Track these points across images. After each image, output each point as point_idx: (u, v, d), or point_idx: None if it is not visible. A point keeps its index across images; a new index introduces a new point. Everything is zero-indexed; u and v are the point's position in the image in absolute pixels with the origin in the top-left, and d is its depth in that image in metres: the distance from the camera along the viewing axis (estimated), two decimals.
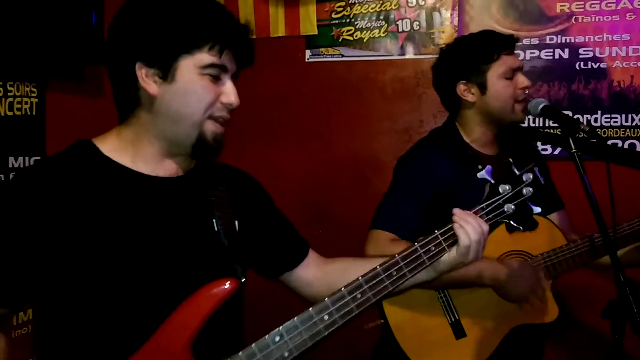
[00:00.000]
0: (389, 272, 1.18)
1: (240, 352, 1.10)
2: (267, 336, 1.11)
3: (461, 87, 1.83)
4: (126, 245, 1.10)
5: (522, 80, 1.79)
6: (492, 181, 1.26)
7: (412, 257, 1.20)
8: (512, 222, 1.26)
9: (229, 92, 1.15)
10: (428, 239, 1.21)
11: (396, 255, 1.19)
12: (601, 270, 1.88)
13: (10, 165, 2.08)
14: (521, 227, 1.25)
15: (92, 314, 1.08)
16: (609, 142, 2.48)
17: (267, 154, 2.81)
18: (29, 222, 1.06)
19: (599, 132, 2.43)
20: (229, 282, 1.11)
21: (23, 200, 1.07)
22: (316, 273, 1.39)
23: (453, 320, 1.77)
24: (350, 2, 2.73)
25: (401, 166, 1.88)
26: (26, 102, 2.13)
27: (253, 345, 1.11)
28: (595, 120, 2.50)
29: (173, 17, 1.10)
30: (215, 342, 1.13)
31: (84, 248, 1.07)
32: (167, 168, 1.18)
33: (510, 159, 1.28)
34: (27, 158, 2.13)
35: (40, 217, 1.06)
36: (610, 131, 2.49)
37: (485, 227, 1.22)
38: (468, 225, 1.20)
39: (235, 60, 1.16)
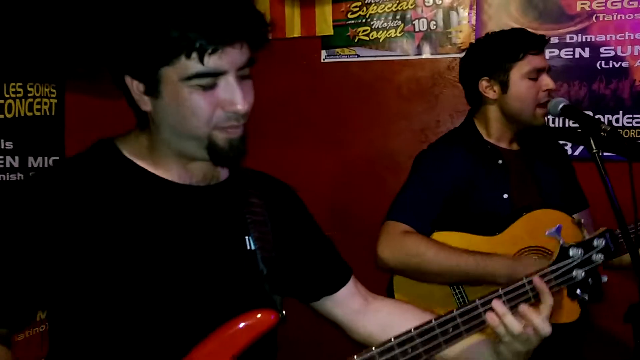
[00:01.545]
0: (444, 329, 1.05)
1: None
2: None
3: (483, 84, 1.81)
4: (145, 259, 0.98)
5: (546, 81, 1.76)
6: (562, 241, 1.15)
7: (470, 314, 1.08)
8: (578, 291, 1.16)
9: (232, 100, 0.95)
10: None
11: (454, 310, 1.08)
12: (620, 271, 1.85)
13: (29, 165, 2.11)
14: (586, 297, 1.16)
15: (106, 333, 0.97)
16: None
17: (282, 155, 2.81)
18: (41, 232, 0.95)
19: (620, 132, 2.40)
20: (268, 314, 0.99)
21: (36, 208, 0.96)
22: (363, 304, 1.25)
23: None
24: (366, 2, 2.72)
25: (419, 161, 1.88)
26: (45, 103, 2.16)
27: None
28: (617, 120, 2.45)
29: (146, 24, 0.93)
30: None
31: (104, 257, 0.96)
32: (192, 175, 1.06)
33: (582, 220, 1.20)
34: (46, 158, 2.16)
35: (55, 225, 0.95)
36: (632, 131, 2.44)
37: (548, 329, 1.06)
38: (501, 327, 1.05)
39: (243, 49, 0.95)
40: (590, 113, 2.42)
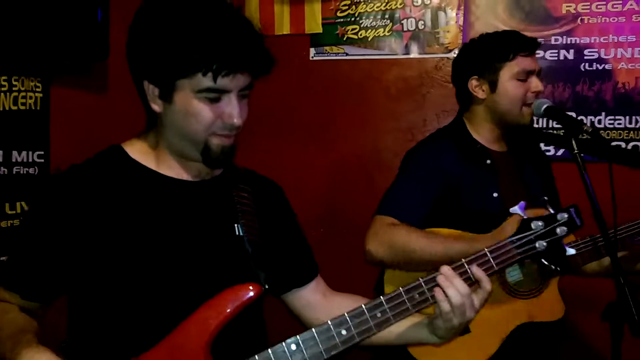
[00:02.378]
0: (410, 295, 1.16)
1: (257, 356, 1.11)
2: (283, 343, 1.11)
3: (473, 83, 1.84)
4: (148, 244, 1.14)
5: (535, 84, 1.78)
6: (525, 217, 1.23)
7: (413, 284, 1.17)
8: (544, 260, 1.22)
9: (231, 114, 1.13)
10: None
11: (419, 279, 1.17)
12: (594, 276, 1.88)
13: (14, 160, 2.08)
14: (553, 266, 1.22)
15: (116, 308, 1.13)
16: (613, 144, 2.47)
17: (270, 152, 2.81)
18: (62, 221, 1.12)
19: (602, 134, 2.44)
20: (252, 287, 1.11)
21: (57, 201, 1.14)
22: (322, 299, 1.38)
23: None
24: (355, 0, 2.73)
25: (409, 157, 1.89)
26: (30, 97, 2.14)
27: (269, 350, 1.11)
28: (599, 121, 2.49)
29: (172, 40, 1.09)
30: (235, 346, 1.14)
31: (111, 246, 1.12)
32: (190, 172, 1.22)
33: (546, 198, 1.25)
34: (30, 153, 2.13)
35: (72, 217, 1.12)
36: (614, 133, 2.48)
37: (466, 290, 1.15)
38: (450, 289, 1.14)
39: (248, 75, 1.13)
40: (573, 114, 2.46)
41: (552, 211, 1.23)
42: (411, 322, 1.25)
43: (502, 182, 1.83)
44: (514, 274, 1.78)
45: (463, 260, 1.18)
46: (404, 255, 1.67)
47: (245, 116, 1.17)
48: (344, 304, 1.26)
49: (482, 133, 1.87)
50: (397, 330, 1.25)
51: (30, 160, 2.14)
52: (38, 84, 2.16)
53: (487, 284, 1.17)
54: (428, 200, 1.76)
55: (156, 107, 1.15)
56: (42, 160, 2.17)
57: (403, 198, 1.78)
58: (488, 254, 1.20)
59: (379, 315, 1.14)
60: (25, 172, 2.12)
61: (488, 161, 1.84)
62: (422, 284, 1.16)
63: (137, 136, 1.25)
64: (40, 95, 2.17)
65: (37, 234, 1.15)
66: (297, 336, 1.12)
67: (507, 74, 1.78)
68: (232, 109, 1.13)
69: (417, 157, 1.86)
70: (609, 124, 2.49)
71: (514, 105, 1.79)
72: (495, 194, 1.81)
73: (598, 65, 2.46)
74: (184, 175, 1.22)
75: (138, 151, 1.22)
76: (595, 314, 2.18)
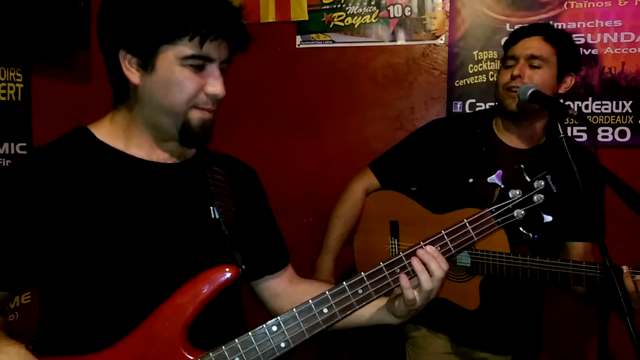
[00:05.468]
0: (392, 270, 1.16)
1: (237, 339, 1.09)
2: (264, 325, 1.10)
3: None
4: (120, 228, 1.09)
5: (515, 68, 1.80)
6: (502, 185, 1.23)
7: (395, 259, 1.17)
8: (521, 229, 1.23)
9: (214, 83, 1.11)
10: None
11: (400, 252, 1.18)
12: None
13: None
14: (531, 235, 1.23)
15: (89, 296, 1.09)
16: (600, 129, 2.48)
17: (256, 141, 2.79)
18: (27, 207, 1.07)
19: (589, 119, 2.45)
20: (229, 269, 1.10)
21: (21, 186, 1.08)
22: (287, 287, 1.38)
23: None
24: None
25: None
26: (11, 88, 2.09)
27: (250, 333, 1.10)
28: (586, 107, 2.50)
29: (155, 5, 1.06)
30: (213, 329, 1.13)
31: (80, 232, 1.07)
32: (161, 154, 1.18)
33: (522, 166, 1.26)
34: (12, 144, 2.10)
35: (38, 202, 1.07)
36: (601, 118, 2.49)
37: (446, 266, 1.16)
38: (433, 263, 1.14)
39: (227, 47, 1.12)
40: (560, 99, 2.46)
41: (528, 179, 1.23)
42: (374, 303, 1.24)
43: (489, 172, 1.83)
44: (463, 259, 1.80)
45: (443, 232, 1.19)
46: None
47: (225, 92, 1.14)
48: (309, 293, 1.25)
49: (499, 125, 1.91)
50: (359, 311, 1.23)
51: (12, 152, 2.10)
52: (19, 74, 2.12)
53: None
54: (404, 161, 2.00)
55: (134, 78, 1.10)
56: (25, 152, 2.14)
57: (386, 154, 2.08)
58: (467, 224, 1.20)
59: (360, 291, 1.14)
60: (7, 164, 2.08)
61: (483, 148, 1.85)
62: (403, 257, 1.16)
63: (103, 118, 1.20)
64: (21, 85, 2.13)
65: (3, 219, 1.09)
66: (278, 317, 1.11)
67: (503, 64, 1.87)
68: (216, 79, 1.11)
69: (424, 126, 2.08)
70: (596, 109, 2.49)
71: (499, 90, 1.86)
72: (470, 180, 1.84)
73: (584, 50, 2.46)
74: (155, 157, 1.17)
75: (106, 132, 1.17)
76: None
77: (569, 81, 1.86)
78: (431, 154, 1.95)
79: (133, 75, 1.10)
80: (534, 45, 1.81)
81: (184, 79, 1.08)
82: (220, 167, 1.27)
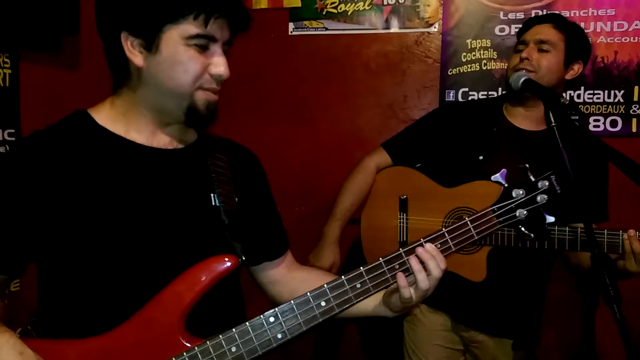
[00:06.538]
0: (391, 266, 1.15)
1: (234, 329, 1.09)
2: (262, 315, 1.10)
3: None
4: (119, 215, 1.09)
5: (524, 51, 1.88)
6: (506, 184, 1.22)
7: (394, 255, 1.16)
8: (522, 228, 1.22)
9: (218, 63, 1.10)
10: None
11: (399, 249, 1.17)
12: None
13: None
14: (532, 235, 1.22)
15: (87, 281, 1.09)
16: (592, 118, 2.49)
17: (248, 128, 2.77)
18: (26, 190, 1.06)
19: (581, 108, 2.46)
20: (228, 259, 1.10)
21: (20, 170, 1.07)
22: (285, 274, 1.37)
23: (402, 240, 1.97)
24: None
25: None
26: None
27: (247, 323, 1.10)
28: (579, 96, 2.50)
29: None
30: (211, 318, 1.13)
31: (78, 217, 1.07)
32: (162, 139, 1.17)
33: (527, 165, 1.25)
34: (0, 131, 2.07)
35: (37, 185, 1.06)
36: (593, 107, 2.49)
37: (444, 266, 1.14)
38: (431, 262, 1.13)
39: (228, 27, 1.11)
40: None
41: (532, 179, 1.22)
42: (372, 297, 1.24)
43: (498, 151, 1.90)
44: None
45: (444, 229, 1.18)
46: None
47: (229, 72, 1.13)
48: (307, 281, 1.26)
49: (510, 110, 1.96)
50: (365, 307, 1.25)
51: (0, 138, 2.08)
52: (6, 60, 2.09)
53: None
54: (416, 139, 2.06)
55: (138, 60, 1.08)
56: (13, 139, 2.11)
57: (399, 134, 2.13)
58: (469, 223, 1.19)
59: (358, 286, 1.13)
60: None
61: (494, 129, 1.93)
62: (403, 254, 1.15)
63: (103, 102, 1.18)
64: (9, 71, 2.10)
65: (1, 203, 1.08)
66: (276, 308, 1.11)
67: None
68: (220, 59, 1.10)
69: (438, 108, 2.22)
70: (588, 98, 2.50)
71: (509, 71, 1.92)
72: (481, 157, 1.91)
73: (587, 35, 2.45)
74: (156, 143, 1.16)
75: (106, 117, 1.15)
76: (570, 285, 2.23)
77: (577, 68, 1.92)
78: (443, 132, 2.01)
79: (136, 57, 1.08)
80: (544, 31, 1.89)
81: (188, 59, 1.07)
82: (222, 153, 1.25)
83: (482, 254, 1.81)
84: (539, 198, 1.21)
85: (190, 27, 1.06)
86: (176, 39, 1.06)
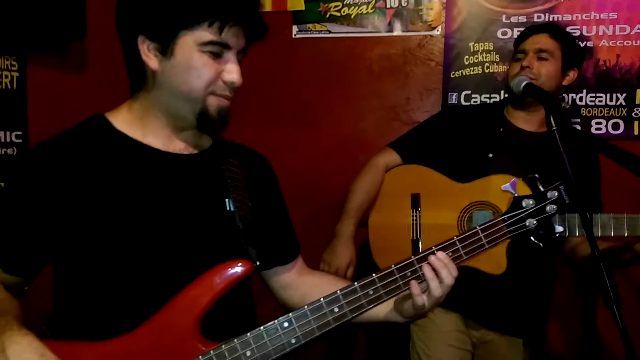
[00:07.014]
0: (403, 273, 1.16)
1: (249, 333, 1.10)
2: (276, 321, 1.11)
3: None
4: (135, 219, 1.10)
5: (525, 60, 1.97)
6: (516, 194, 1.23)
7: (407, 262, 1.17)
8: (532, 238, 1.23)
9: (231, 70, 1.12)
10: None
11: (411, 256, 1.17)
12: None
13: None
14: (541, 244, 1.23)
15: (103, 285, 1.10)
16: (594, 122, 2.50)
17: (252, 131, 2.77)
18: (42, 194, 1.08)
19: (583, 111, 2.47)
20: (243, 264, 1.11)
21: (36, 173, 1.09)
22: (296, 279, 1.39)
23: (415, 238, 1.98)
24: None
25: None
26: (7, 76, 2.09)
27: (262, 327, 1.11)
28: (580, 99, 2.51)
29: None
30: (225, 323, 1.13)
31: (94, 221, 1.08)
32: (177, 144, 1.19)
33: (536, 175, 1.26)
34: (8, 133, 2.10)
35: (53, 189, 1.08)
36: (595, 110, 2.51)
37: (456, 273, 1.16)
38: (443, 270, 1.14)
39: (244, 36, 1.13)
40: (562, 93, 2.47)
41: (542, 189, 1.23)
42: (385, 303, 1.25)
43: (504, 150, 1.97)
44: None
45: (455, 238, 1.19)
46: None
47: (242, 80, 1.15)
48: (318, 287, 1.26)
49: (511, 112, 2.03)
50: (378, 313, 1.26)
51: (8, 140, 2.10)
52: (14, 63, 2.11)
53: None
54: (425, 137, 2.10)
55: (153, 63, 1.11)
56: (21, 141, 2.14)
57: (406, 134, 2.18)
58: (480, 232, 1.20)
59: (371, 292, 1.14)
60: (3, 153, 2.09)
61: (501, 129, 2.00)
62: (415, 261, 1.16)
63: (121, 106, 1.20)
64: (17, 74, 2.13)
65: (17, 205, 1.10)
66: (290, 314, 1.12)
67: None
68: (233, 67, 1.12)
69: (447, 109, 2.27)
70: (590, 101, 2.51)
71: (510, 78, 1.99)
72: (490, 155, 1.97)
73: (579, 42, 2.47)
74: (172, 148, 1.18)
75: (123, 121, 1.17)
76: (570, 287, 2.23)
77: (572, 75, 2.02)
78: (451, 133, 2.06)
79: (151, 60, 1.11)
80: (542, 40, 1.98)
81: (202, 65, 1.09)
82: (236, 158, 1.27)
83: (501, 246, 1.81)
84: (548, 208, 1.22)
85: (204, 34, 1.08)
86: (191, 44, 1.08)
